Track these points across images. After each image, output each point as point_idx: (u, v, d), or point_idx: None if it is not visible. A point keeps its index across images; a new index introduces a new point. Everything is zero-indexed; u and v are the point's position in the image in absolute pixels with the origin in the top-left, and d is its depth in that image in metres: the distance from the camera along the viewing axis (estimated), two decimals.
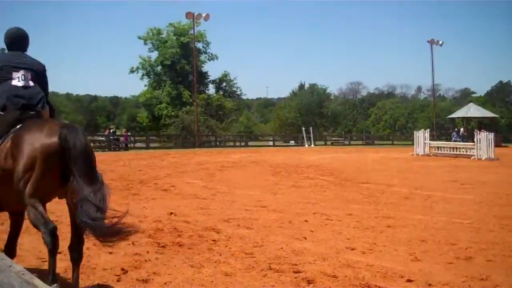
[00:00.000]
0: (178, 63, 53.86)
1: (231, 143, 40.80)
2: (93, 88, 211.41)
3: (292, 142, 46.83)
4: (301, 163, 19.19)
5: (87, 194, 3.41)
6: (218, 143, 41.54)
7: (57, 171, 3.57)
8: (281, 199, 9.71)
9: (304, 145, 40.47)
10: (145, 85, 57.63)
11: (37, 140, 3.57)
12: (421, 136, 26.79)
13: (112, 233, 3.45)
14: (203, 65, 56.34)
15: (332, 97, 77.29)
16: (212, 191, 10.68)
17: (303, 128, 43.29)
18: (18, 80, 4.17)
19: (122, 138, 37.46)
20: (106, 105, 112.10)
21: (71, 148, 3.51)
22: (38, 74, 4.32)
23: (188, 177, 13.51)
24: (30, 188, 3.50)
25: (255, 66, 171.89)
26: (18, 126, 3.86)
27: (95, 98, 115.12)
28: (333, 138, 52.07)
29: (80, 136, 3.61)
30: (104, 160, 18.24)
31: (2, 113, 4.02)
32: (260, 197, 9.92)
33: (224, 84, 58.35)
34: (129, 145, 36.08)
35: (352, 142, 47.21)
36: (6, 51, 4.42)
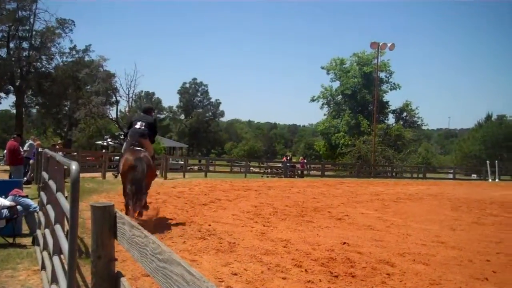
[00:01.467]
0: (359, 92, 54.34)
1: (408, 174, 39.17)
2: (273, 115, 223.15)
3: (474, 175, 43.16)
4: (484, 198, 17.75)
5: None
6: (394, 174, 40.24)
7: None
8: (461, 235, 9.25)
9: (488, 179, 37.09)
10: (324, 114, 59.18)
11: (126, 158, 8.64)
12: None
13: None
14: (384, 94, 55.96)
15: None
16: (387, 223, 10.50)
17: (487, 162, 39.63)
18: (138, 126, 9.24)
19: (298, 165, 38.69)
20: (284, 133, 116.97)
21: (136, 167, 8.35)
22: (149, 123, 9.33)
23: (362, 207, 13.40)
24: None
25: (437, 95, 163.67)
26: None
27: (274, 125, 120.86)
28: None
29: (141, 162, 8.41)
30: (279, 186, 19.00)
31: (127, 139, 9.23)
32: (437, 232, 9.54)
33: (404, 114, 57.13)
34: (304, 172, 37.10)
35: None
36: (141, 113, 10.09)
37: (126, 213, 8.08)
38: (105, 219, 2.22)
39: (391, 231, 9.32)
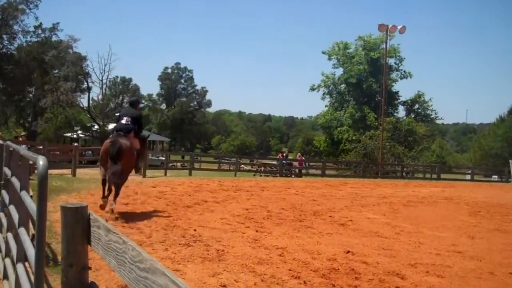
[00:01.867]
0: (365, 81, 54.40)
1: (421, 175, 39.24)
2: (267, 106, 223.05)
3: (494, 177, 43.35)
4: (507, 202, 17.77)
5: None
6: (404, 174, 40.44)
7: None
8: (480, 244, 9.28)
9: (511, 181, 37.31)
10: (326, 105, 59.37)
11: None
12: None
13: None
14: (393, 84, 55.89)
15: None
16: (396, 229, 10.52)
17: (510, 161, 39.79)
18: (124, 121, 11.01)
19: (295, 163, 38.73)
20: (280, 126, 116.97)
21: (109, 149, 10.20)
22: (134, 118, 11.08)
23: (369, 211, 13.40)
24: None
25: (453, 85, 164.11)
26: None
27: (268, 117, 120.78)
28: None
29: (118, 141, 10.28)
30: (274, 187, 19.00)
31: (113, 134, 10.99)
32: (454, 240, 9.57)
33: (416, 106, 57.24)
34: (303, 171, 37.13)
35: None
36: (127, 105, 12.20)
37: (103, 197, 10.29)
38: (78, 222, 2.21)
39: (401, 239, 9.32)
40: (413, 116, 55.58)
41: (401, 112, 57.64)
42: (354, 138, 50.45)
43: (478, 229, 11.18)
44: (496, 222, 12.48)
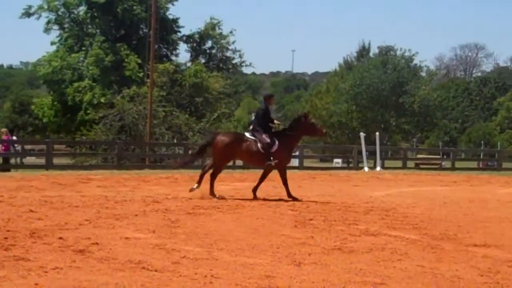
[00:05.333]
0: (119, 2, 38.29)
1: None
2: None
3: (337, 161, 36.95)
4: (354, 203, 14.69)
5: None
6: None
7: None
8: (312, 274, 7.32)
9: (363, 167, 28.35)
10: (53, 43, 40.82)
11: None
12: None
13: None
14: (168, 5, 40.68)
15: (424, 74, 52.98)
16: (174, 255, 8.31)
17: (361, 134, 29.27)
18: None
19: None
20: None
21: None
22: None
23: (128, 227, 10.26)
24: None
25: (269, 15, 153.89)
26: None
27: None
28: (420, 156, 42.22)
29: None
30: None
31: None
32: (269, 269, 7.53)
33: (209, 43, 42.13)
34: (11, 160, 26.24)
35: (457, 165, 32.83)
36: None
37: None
38: None
39: (181, 271, 7.25)
40: (203, 61, 40.92)
41: (183, 53, 44.28)
42: (103, 100, 35.69)
43: (309, 248, 8.85)
44: (337, 236, 9.87)
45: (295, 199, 13.20)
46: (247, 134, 13.67)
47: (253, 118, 14.36)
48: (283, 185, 13.60)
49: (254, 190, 13.55)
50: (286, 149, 13.39)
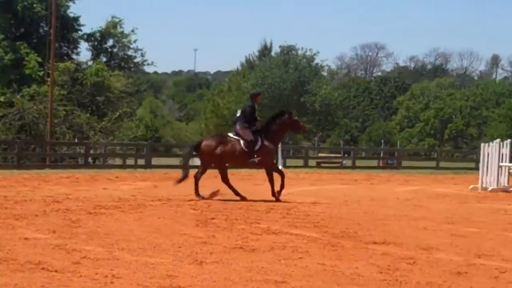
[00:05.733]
0: None
1: (119, 160, 29.44)
2: None
3: None
4: (256, 202, 14.45)
5: None
6: (92, 160, 30.01)
7: None
8: (214, 273, 7.22)
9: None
10: None
11: None
12: (494, 153, 18.56)
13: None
14: (69, 3, 39.41)
15: (325, 73, 56.50)
16: (75, 255, 8.09)
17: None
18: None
19: None
20: None
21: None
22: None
23: (28, 227, 10.00)
24: None
25: (171, 14, 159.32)
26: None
27: None
28: (322, 154, 42.19)
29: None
30: None
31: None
32: (171, 268, 7.42)
33: (110, 42, 41.54)
34: None
35: (358, 163, 33.28)
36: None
37: None
38: None
39: (82, 272, 6.97)
40: (104, 60, 40.44)
41: (84, 52, 41.65)
42: (2, 99, 34.23)
43: (210, 247, 8.71)
44: (239, 235, 9.75)
45: (278, 200, 13.32)
46: (230, 135, 13.50)
47: (238, 114, 14.00)
48: (268, 182, 13.53)
49: (273, 194, 13.46)
50: (270, 146, 13.32)
